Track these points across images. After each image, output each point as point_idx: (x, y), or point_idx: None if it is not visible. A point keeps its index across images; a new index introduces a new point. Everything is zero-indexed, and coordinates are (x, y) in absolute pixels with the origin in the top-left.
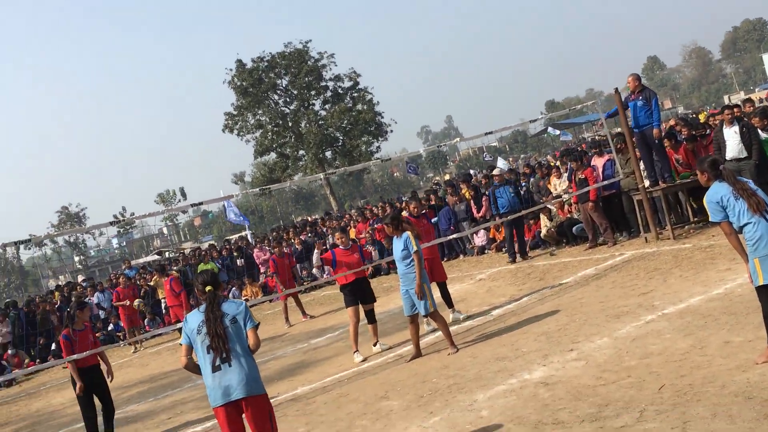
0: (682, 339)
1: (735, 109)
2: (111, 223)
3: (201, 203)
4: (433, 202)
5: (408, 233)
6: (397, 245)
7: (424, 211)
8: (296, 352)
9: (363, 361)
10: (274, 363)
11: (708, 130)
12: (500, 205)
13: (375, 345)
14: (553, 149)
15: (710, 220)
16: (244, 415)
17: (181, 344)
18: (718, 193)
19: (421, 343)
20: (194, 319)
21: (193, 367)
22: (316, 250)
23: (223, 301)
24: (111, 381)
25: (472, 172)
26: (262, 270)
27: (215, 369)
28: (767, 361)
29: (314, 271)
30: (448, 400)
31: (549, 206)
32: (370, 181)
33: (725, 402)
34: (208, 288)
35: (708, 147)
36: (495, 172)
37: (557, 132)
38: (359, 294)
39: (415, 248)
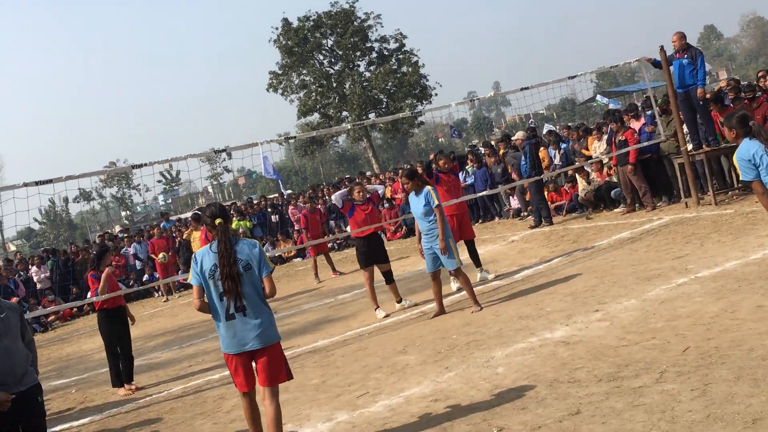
0: (713, 302)
1: None
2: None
3: (223, 150)
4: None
5: (428, 188)
6: (417, 202)
7: (451, 167)
8: (322, 307)
9: (386, 317)
10: (299, 317)
11: (760, 93)
12: (520, 169)
13: (399, 302)
14: (602, 118)
15: (741, 178)
16: (255, 362)
17: (191, 284)
18: (749, 150)
19: (446, 301)
20: (206, 260)
21: (207, 309)
22: (343, 190)
23: (236, 241)
24: (133, 324)
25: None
26: (296, 226)
27: (229, 317)
28: None
29: (347, 229)
30: (465, 356)
31: (586, 168)
32: (414, 145)
33: (751, 365)
34: (218, 221)
35: (758, 110)
36: (517, 136)
37: (606, 100)
38: (372, 255)
39: (436, 202)
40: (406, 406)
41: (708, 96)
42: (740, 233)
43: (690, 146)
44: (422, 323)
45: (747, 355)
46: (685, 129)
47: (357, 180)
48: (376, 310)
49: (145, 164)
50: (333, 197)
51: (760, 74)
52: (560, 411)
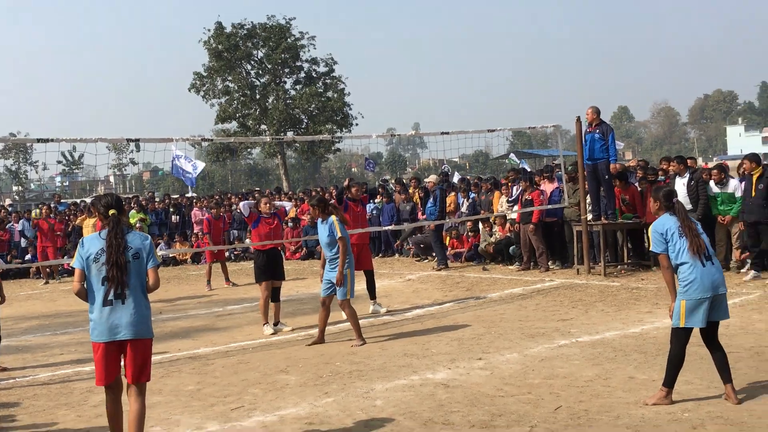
0: (590, 367)
1: (687, 162)
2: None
3: (138, 140)
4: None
5: (333, 218)
6: (323, 230)
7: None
8: (209, 314)
9: (273, 334)
10: (183, 321)
11: (662, 177)
12: (425, 210)
13: (275, 324)
14: (506, 175)
15: (651, 248)
16: (123, 355)
17: (73, 267)
18: (665, 225)
19: (336, 328)
20: (93, 244)
21: (86, 295)
22: (251, 201)
23: (128, 231)
24: (2, 303)
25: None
26: (195, 230)
27: (106, 303)
28: (657, 404)
29: (247, 241)
30: (346, 384)
31: (490, 222)
32: (327, 170)
33: None
34: (111, 211)
35: None
36: (430, 179)
37: (518, 160)
38: (269, 270)
39: (339, 234)
40: (279, 425)
41: (618, 169)
42: (623, 306)
43: (590, 216)
44: (308, 347)
45: (613, 422)
46: (588, 199)
47: (267, 193)
48: (264, 325)
49: (51, 140)
50: (240, 205)
51: (662, 161)
52: None
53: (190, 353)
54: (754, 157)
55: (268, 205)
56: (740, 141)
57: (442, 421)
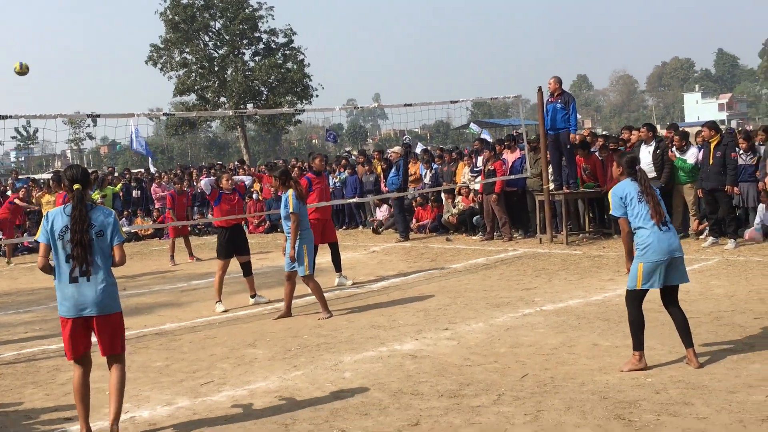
0: (554, 335)
1: (654, 129)
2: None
3: (98, 115)
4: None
5: (290, 191)
6: (281, 203)
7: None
8: (174, 290)
9: (224, 311)
10: (148, 297)
11: (624, 146)
12: (387, 182)
13: (252, 297)
14: (472, 145)
15: (611, 212)
16: (93, 330)
17: (38, 241)
18: (624, 189)
19: (302, 301)
20: (58, 221)
21: (50, 270)
22: (212, 178)
23: (91, 207)
24: None
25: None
26: (157, 205)
27: (72, 280)
28: (633, 369)
29: (210, 216)
30: (314, 357)
31: (453, 193)
32: (287, 142)
33: (581, 398)
34: (75, 186)
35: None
36: (394, 149)
37: (479, 129)
38: (233, 246)
39: (291, 208)
40: (249, 398)
41: (576, 141)
42: (586, 274)
43: (552, 186)
44: (275, 320)
45: (579, 388)
46: (550, 169)
47: (230, 167)
48: (216, 303)
49: (10, 116)
50: (201, 183)
51: (623, 130)
52: (400, 420)
53: (156, 329)
54: (712, 125)
55: (229, 181)
56: (697, 108)
57: (410, 391)
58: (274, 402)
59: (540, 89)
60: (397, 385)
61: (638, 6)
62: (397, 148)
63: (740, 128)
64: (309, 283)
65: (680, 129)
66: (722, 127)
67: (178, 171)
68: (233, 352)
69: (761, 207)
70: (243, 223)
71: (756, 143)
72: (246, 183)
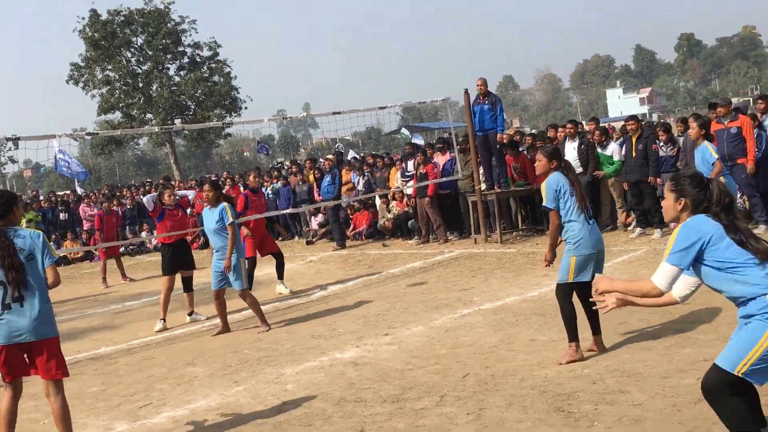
0: (493, 334)
1: (577, 125)
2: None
3: (18, 138)
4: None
5: (225, 204)
6: (211, 216)
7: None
8: (107, 312)
9: (162, 330)
10: (81, 322)
11: (551, 143)
12: (321, 190)
13: (190, 315)
14: (403, 150)
15: (544, 204)
16: (27, 355)
17: None
18: (558, 182)
19: (244, 315)
20: None
21: None
22: (154, 193)
23: (14, 232)
24: None
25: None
26: (86, 226)
27: (5, 307)
28: (571, 361)
29: (143, 234)
30: (255, 371)
31: (388, 198)
32: (218, 156)
33: (521, 394)
34: None
35: None
36: (328, 157)
37: (409, 134)
38: (178, 262)
39: (230, 219)
40: (191, 418)
41: (505, 141)
42: (521, 271)
43: (483, 186)
44: (213, 336)
45: (519, 384)
46: (481, 170)
47: (162, 183)
48: (160, 320)
49: None
50: (144, 200)
51: (548, 128)
52: (345, 429)
53: (90, 354)
54: (634, 118)
55: (171, 196)
56: (619, 103)
57: (354, 399)
58: (216, 419)
59: (466, 91)
60: (339, 393)
61: (558, 5)
62: (329, 157)
63: (661, 121)
64: (246, 297)
65: (601, 125)
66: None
67: (106, 190)
68: (172, 372)
69: None
70: (188, 237)
71: (675, 135)
72: (189, 197)
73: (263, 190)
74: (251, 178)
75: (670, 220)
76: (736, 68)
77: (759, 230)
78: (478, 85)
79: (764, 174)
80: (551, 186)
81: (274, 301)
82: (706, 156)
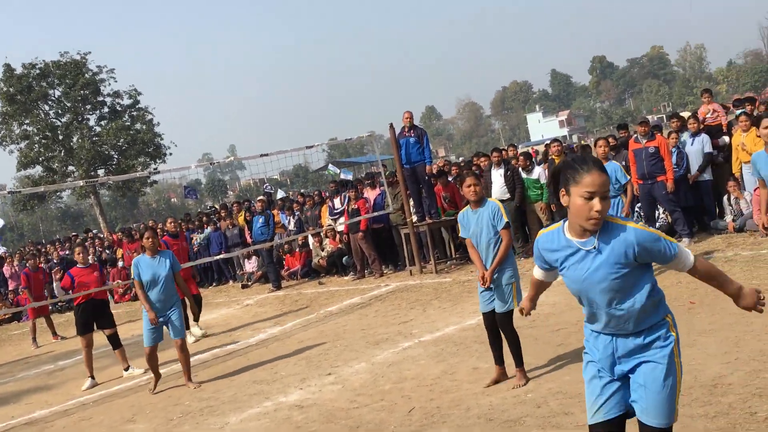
0: (435, 365)
1: (503, 153)
2: None
3: None
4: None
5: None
6: (158, 264)
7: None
8: (40, 374)
9: (93, 387)
10: (13, 385)
11: (477, 171)
12: (253, 233)
13: (126, 370)
14: (333, 186)
15: (460, 234)
16: None
17: None
18: (463, 214)
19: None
20: None
21: None
22: (55, 279)
23: None
24: None
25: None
26: (11, 286)
27: None
28: (491, 385)
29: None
30: (198, 422)
31: (321, 236)
32: (145, 204)
33: (468, 423)
34: None
35: None
36: (259, 199)
37: (337, 170)
38: (93, 318)
39: (179, 266)
40: None
41: (434, 172)
42: (458, 300)
43: (415, 218)
44: (153, 393)
45: (465, 414)
46: (411, 202)
47: (78, 240)
48: (87, 378)
49: None
50: (56, 291)
51: (474, 157)
52: None
53: (25, 419)
54: (557, 141)
55: (81, 254)
56: (540, 127)
57: None
58: None
59: (391, 125)
60: None
61: (475, 32)
62: (261, 198)
63: (582, 142)
64: (184, 349)
65: (523, 149)
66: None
67: (31, 247)
68: (112, 431)
69: None
70: (108, 294)
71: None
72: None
73: (186, 234)
74: (168, 223)
75: None
76: (648, 87)
77: (683, 243)
78: (405, 118)
79: (684, 189)
80: (459, 220)
81: (213, 348)
82: (618, 175)
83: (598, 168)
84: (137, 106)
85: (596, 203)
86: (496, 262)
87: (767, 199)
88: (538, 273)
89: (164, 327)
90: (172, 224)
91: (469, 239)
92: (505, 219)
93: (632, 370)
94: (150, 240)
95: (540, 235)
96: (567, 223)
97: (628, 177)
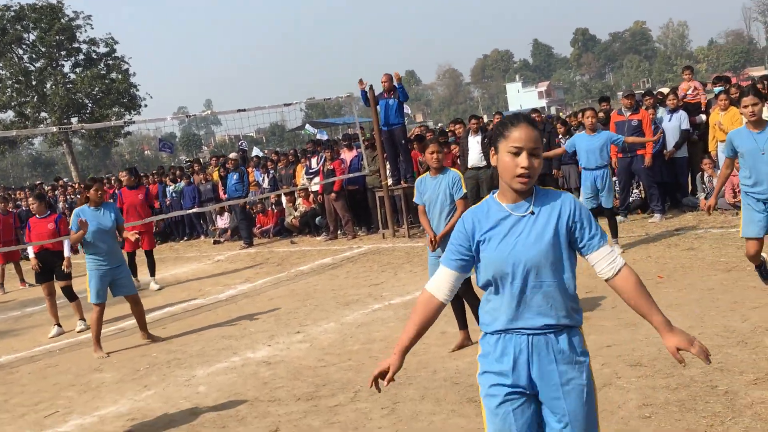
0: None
1: (480, 120)
2: None
3: None
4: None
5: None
6: (102, 216)
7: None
8: (7, 319)
9: (58, 335)
10: None
11: (452, 139)
12: (227, 189)
13: (80, 321)
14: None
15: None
16: None
17: None
18: (421, 180)
19: (152, 317)
20: None
21: None
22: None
23: None
24: None
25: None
26: None
27: None
28: (456, 350)
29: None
30: (165, 374)
31: (295, 196)
32: (118, 155)
33: (434, 386)
34: None
35: (448, 155)
36: (231, 156)
37: (314, 130)
38: (49, 270)
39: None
40: (100, 425)
41: (412, 137)
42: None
43: (390, 181)
44: (121, 339)
45: (431, 377)
46: (388, 165)
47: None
48: (53, 326)
49: None
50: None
51: (451, 124)
52: (260, 429)
53: None
54: (537, 112)
55: (35, 205)
56: (519, 97)
57: (267, 398)
58: (126, 426)
59: (371, 87)
60: (253, 393)
61: (458, 1)
62: (233, 155)
63: (559, 114)
64: (138, 302)
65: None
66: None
67: (1, 192)
68: (78, 379)
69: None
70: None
71: (572, 128)
72: None
73: (167, 189)
74: (122, 176)
75: None
76: (628, 62)
77: (654, 219)
78: (382, 81)
79: (660, 165)
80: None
81: (181, 302)
82: (613, 138)
83: (527, 122)
84: (113, 55)
85: (523, 159)
86: (447, 227)
87: (722, 180)
88: (440, 280)
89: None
90: (125, 177)
91: (422, 206)
92: (464, 190)
93: (550, 387)
94: (98, 193)
95: (466, 213)
96: (497, 191)
97: (623, 137)
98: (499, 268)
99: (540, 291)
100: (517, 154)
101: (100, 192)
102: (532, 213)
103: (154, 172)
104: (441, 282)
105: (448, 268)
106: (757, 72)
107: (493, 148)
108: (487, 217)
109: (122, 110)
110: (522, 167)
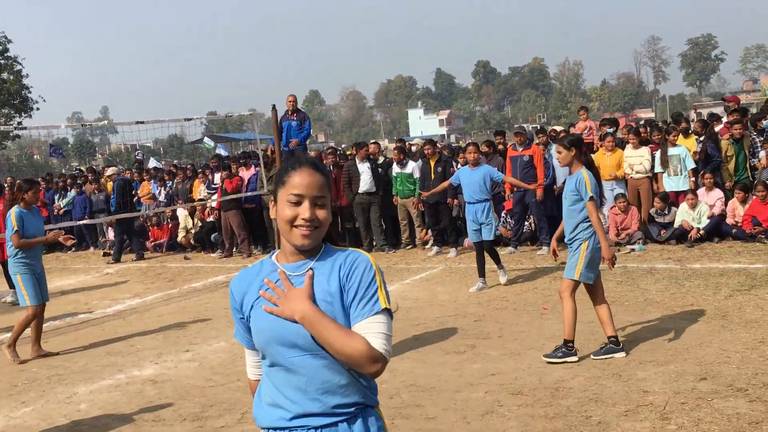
0: None
1: (370, 147)
2: None
3: None
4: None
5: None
6: (36, 219)
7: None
8: None
9: None
10: None
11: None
12: (111, 203)
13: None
14: (208, 159)
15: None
16: None
17: None
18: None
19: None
20: None
21: None
22: None
23: None
24: None
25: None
26: None
27: None
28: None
29: None
30: (45, 390)
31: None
32: (5, 159)
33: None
34: None
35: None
36: (109, 171)
37: (212, 143)
38: None
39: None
40: None
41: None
42: None
43: None
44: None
45: None
46: None
47: None
48: None
49: None
50: None
51: (352, 148)
52: None
53: None
54: (431, 142)
55: None
56: (420, 123)
57: (152, 418)
58: None
59: (274, 107)
60: (137, 412)
61: (366, 24)
62: (112, 169)
63: (459, 143)
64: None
65: (399, 144)
66: (443, 143)
67: None
68: None
69: None
70: None
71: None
72: None
73: (56, 199)
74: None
75: None
76: (526, 96)
77: (542, 251)
78: (289, 101)
79: (550, 200)
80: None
81: (65, 315)
82: (493, 174)
83: (311, 166)
84: (6, 55)
85: (305, 209)
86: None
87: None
88: (249, 364)
89: None
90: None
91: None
92: None
93: None
94: (36, 195)
95: (233, 280)
96: (278, 251)
97: (502, 175)
98: (267, 345)
99: (318, 364)
100: (297, 203)
101: (38, 194)
102: (311, 271)
103: (42, 178)
104: (250, 365)
105: (246, 348)
106: (644, 114)
107: (272, 199)
108: (258, 279)
109: (12, 112)
110: (302, 218)
